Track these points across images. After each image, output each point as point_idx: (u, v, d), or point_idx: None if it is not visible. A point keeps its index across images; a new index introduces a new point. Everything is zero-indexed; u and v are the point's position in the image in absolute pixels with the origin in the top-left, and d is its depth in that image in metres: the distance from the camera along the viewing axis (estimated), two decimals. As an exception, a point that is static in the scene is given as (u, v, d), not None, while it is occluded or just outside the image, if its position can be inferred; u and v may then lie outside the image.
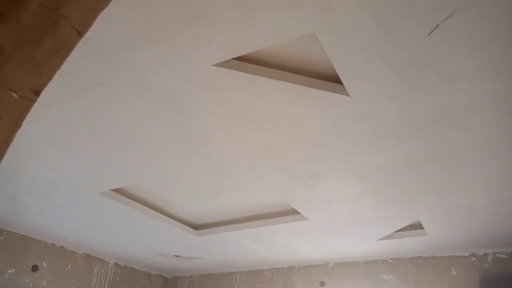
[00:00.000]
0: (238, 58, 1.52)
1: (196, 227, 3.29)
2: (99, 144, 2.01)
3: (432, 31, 1.34)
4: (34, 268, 3.47)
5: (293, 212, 2.81)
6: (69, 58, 1.46)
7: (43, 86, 0.58)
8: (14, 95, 0.57)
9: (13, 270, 3.31)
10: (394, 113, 1.69)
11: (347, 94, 1.59)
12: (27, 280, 3.39)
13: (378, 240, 3.13)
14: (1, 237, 3.29)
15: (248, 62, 1.54)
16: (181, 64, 1.47)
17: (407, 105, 1.64)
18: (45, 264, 3.56)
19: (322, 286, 3.85)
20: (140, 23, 1.31)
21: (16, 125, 0.62)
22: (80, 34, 0.59)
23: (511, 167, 2.05)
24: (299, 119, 1.76)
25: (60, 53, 0.58)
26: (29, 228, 3.28)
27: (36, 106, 1.57)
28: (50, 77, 0.58)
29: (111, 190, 2.57)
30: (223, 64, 1.49)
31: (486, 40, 1.33)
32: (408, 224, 2.84)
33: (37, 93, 0.57)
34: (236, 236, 3.26)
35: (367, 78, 1.51)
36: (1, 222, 3.17)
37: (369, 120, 1.74)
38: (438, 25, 1.32)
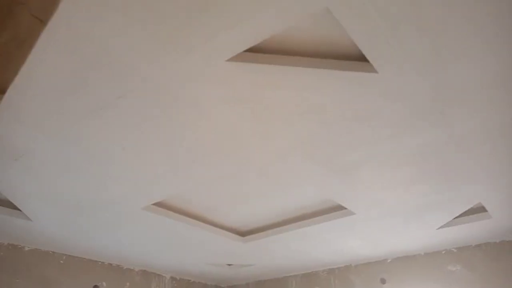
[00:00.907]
0: (252, 50, 1.44)
1: (243, 233, 3.24)
2: (131, 159, 2.02)
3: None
4: (95, 288, 3.60)
5: (339, 207, 2.67)
6: (85, 75, 1.46)
7: (8, 82, 0.54)
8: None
9: (76, 291, 3.45)
10: (432, 85, 1.52)
11: (375, 71, 1.46)
12: (89, 300, 3.52)
13: (437, 229, 2.89)
14: (61, 261, 3.44)
15: (263, 52, 1.46)
16: (195, 64, 1.42)
17: (445, 74, 1.47)
18: (105, 284, 3.67)
19: (383, 283, 3.63)
20: (147, 25, 1.27)
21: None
22: (43, 22, 0.55)
23: None
24: (327, 106, 1.64)
25: (24, 45, 0.54)
26: (85, 250, 3.40)
27: (66, 127, 1.56)
28: (15, 72, 0.54)
29: (152, 204, 2.59)
30: (236, 58, 1.41)
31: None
32: (468, 208, 2.58)
33: (2, 91, 0.53)
34: (284, 239, 3.16)
35: (395, 49, 1.36)
36: (58, 247, 3.31)
37: (403, 96, 1.58)
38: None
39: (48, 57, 1.37)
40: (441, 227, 2.87)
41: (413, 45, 1.34)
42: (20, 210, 2.60)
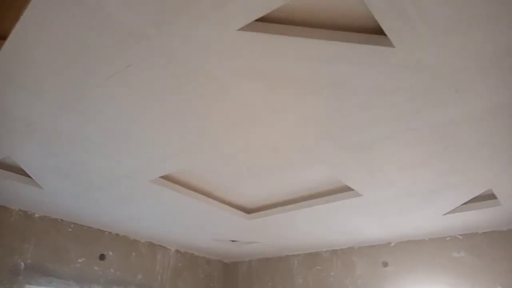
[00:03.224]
0: (264, 20, 1.40)
1: (249, 210, 3.26)
2: (142, 131, 2.01)
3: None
4: (102, 257, 3.68)
5: (347, 188, 2.65)
6: (93, 42, 1.44)
7: (8, 30, 0.52)
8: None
9: (83, 259, 3.53)
10: (451, 60, 1.46)
11: (392, 45, 1.41)
12: (96, 268, 3.60)
13: (444, 214, 2.86)
14: (70, 229, 3.51)
15: (275, 22, 1.42)
16: (206, 33, 1.39)
17: (464, 48, 1.41)
18: (111, 253, 3.75)
19: (385, 266, 3.64)
20: (156, -9, 1.24)
21: None
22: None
23: None
24: (342, 80, 1.60)
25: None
26: (92, 220, 3.46)
27: (77, 96, 1.55)
28: (15, 19, 0.52)
29: (160, 177, 2.60)
30: (248, 28, 1.38)
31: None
32: (478, 194, 2.54)
33: (3, 37, 0.51)
34: (289, 218, 3.17)
35: (414, 21, 1.31)
36: (67, 215, 3.38)
37: (422, 70, 1.53)
38: None
39: (55, 24, 1.35)
40: (448, 213, 2.84)
41: (433, 13, 1.28)
42: (31, 178, 2.64)
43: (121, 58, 1.51)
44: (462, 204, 2.72)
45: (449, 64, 1.49)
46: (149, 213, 3.22)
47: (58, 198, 2.93)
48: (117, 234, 3.85)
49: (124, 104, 1.79)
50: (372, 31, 1.43)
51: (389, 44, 1.41)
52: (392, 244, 3.65)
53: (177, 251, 4.36)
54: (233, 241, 4.06)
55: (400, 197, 2.66)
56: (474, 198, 2.63)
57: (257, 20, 1.39)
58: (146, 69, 1.56)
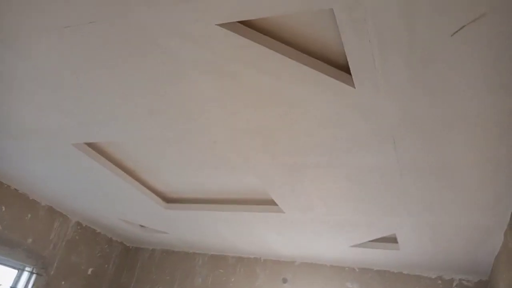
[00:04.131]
0: (245, 23, 1.39)
1: (168, 200, 3.17)
2: (83, 92, 1.86)
3: (457, 31, 1.23)
4: (-9, 211, 3.30)
5: (271, 202, 2.71)
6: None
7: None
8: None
9: (-32, 208, 3.13)
10: (398, 115, 1.59)
11: (353, 86, 1.48)
12: (-19, 221, 3.22)
13: (351, 246, 3.07)
14: (-39, 173, 3.10)
15: (255, 29, 1.41)
16: (184, 17, 1.33)
17: (413, 109, 1.54)
18: (3, 208, 3.38)
19: (284, 282, 3.79)
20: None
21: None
22: None
23: (497, 192, 1.99)
24: (299, 102, 1.64)
25: None
26: (-8, 168, 3.10)
27: (25, 37, 1.40)
28: None
29: (85, 143, 2.42)
30: (227, 26, 1.35)
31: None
32: (383, 235, 2.77)
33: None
34: (207, 217, 3.15)
35: (377, 73, 1.39)
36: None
37: (371, 117, 1.63)
38: (463, 26, 1.22)
39: None
40: (354, 245, 3.05)
41: (395, 72, 1.38)
42: None
43: (83, 13, 1.38)
44: (369, 241, 2.94)
45: (395, 118, 1.60)
46: (58, 176, 2.96)
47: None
48: (15, 189, 3.47)
49: (73, 57, 1.64)
50: (340, 67, 1.49)
51: (351, 83, 1.48)
52: (296, 263, 3.81)
53: (78, 223, 4.07)
54: (142, 226, 3.92)
55: (316, 223, 2.79)
56: (380, 238, 2.86)
57: (239, 21, 1.37)
58: (111, 29, 1.45)
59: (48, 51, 1.63)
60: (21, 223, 3.51)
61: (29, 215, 3.58)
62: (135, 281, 4.41)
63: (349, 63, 1.39)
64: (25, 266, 3.58)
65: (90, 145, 2.47)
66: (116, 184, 2.86)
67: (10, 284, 3.52)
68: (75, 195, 3.31)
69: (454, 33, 1.25)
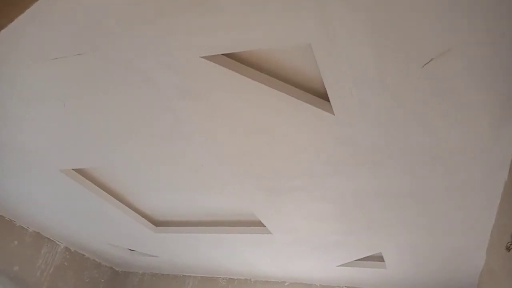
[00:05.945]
0: (228, 55, 1.46)
1: (158, 223, 3.17)
2: (69, 119, 1.90)
3: (426, 64, 1.32)
4: (-23, 238, 3.26)
5: (259, 224, 2.74)
6: (51, 22, 1.37)
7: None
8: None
9: (-47, 237, 3.09)
10: (375, 141, 1.66)
11: (332, 113, 1.55)
12: (-34, 249, 3.17)
13: (337, 266, 3.09)
14: None
15: (238, 61, 1.48)
16: (169, 49, 1.40)
17: (389, 135, 1.61)
18: (-11, 236, 3.34)
19: (274, 303, 3.77)
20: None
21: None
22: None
23: (481, 215, 2.06)
24: (280, 129, 1.71)
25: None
26: (-21, 195, 3.07)
27: (13, 65, 1.46)
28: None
29: (73, 169, 2.44)
30: (211, 58, 1.42)
31: (479, 80, 1.32)
32: (369, 254, 2.81)
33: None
34: (196, 239, 3.16)
35: (355, 100, 1.47)
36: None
37: (350, 143, 1.70)
38: (432, 59, 1.31)
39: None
40: (341, 265, 3.08)
41: (370, 101, 1.46)
42: None
43: (75, 43, 1.44)
44: (355, 260, 2.97)
45: (373, 144, 1.68)
46: (45, 201, 2.96)
47: None
48: (1, 216, 3.43)
49: (60, 85, 1.69)
50: (320, 95, 1.56)
51: (330, 110, 1.55)
52: (286, 284, 3.80)
53: (67, 249, 4.02)
54: (131, 250, 3.89)
55: (302, 243, 2.82)
56: (367, 257, 2.90)
57: (223, 54, 1.44)
58: (96, 60, 1.51)
59: (36, 80, 1.68)
60: (7, 250, 3.46)
61: (16, 242, 3.54)
62: (124, 306, 4.33)
63: (328, 92, 1.47)
64: (10, 294, 3.51)
65: (77, 170, 2.49)
66: (105, 208, 2.86)
67: (-5, 313, 3.44)
68: (63, 220, 3.29)
69: (424, 65, 1.34)
